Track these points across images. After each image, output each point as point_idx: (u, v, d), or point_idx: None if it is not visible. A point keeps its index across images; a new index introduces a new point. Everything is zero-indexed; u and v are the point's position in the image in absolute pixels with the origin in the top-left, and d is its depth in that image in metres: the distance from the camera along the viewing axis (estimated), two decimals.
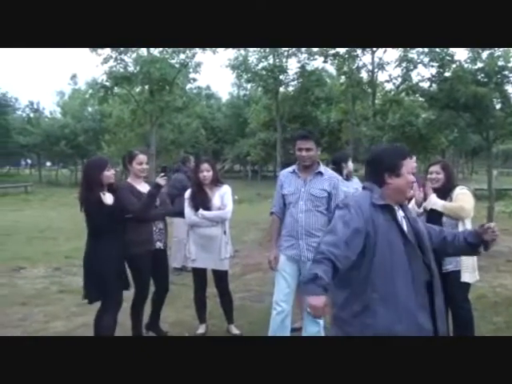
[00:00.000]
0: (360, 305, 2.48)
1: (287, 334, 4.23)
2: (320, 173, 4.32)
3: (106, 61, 22.40)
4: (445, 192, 4.36)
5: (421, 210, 4.49)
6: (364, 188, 2.74)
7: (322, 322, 4.16)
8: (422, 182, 4.61)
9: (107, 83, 23.41)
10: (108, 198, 4.21)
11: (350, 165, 6.61)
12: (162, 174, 4.62)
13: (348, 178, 6.63)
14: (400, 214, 2.70)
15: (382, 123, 23.95)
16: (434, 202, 4.31)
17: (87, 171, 4.35)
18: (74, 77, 46.81)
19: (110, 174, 4.25)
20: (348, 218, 2.51)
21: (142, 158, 4.72)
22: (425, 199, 4.42)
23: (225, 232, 4.94)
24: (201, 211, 4.84)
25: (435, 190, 4.38)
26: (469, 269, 4.20)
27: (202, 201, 4.88)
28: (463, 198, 4.29)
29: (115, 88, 24.08)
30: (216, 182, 5.00)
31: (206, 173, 4.91)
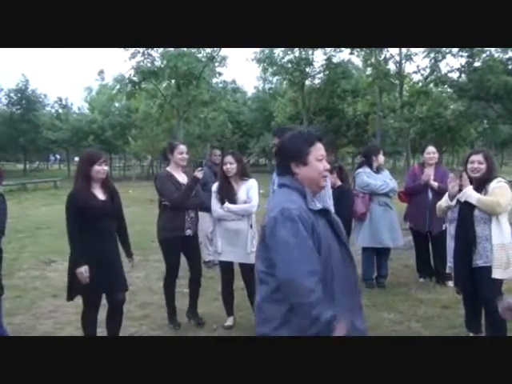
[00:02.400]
0: (302, 318, 2.22)
1: None
2: None
3: (133, 56, 22.64)
4: (482, 183, 4.17)
5: (453, 202, 4.34)
6: (284, 185, 2.44)
7: None
8: (460, 174, 4.46)
9: (134, 78, 23.65)
10: (99, 193, 4.20)
11: (381, 158, 6.58)
12: (200, 169, 4.99)
13: (378, 170, 6.60)
14: (318, 206, 2.45)
15: (409, 115, 23.70)
16: (469, 194, 4.12)
17: (78, 163, 4.35)
18: (101, 72, 47.48)
19: (100, 169, 4.15)
20: (300, 233, 2.22)
21: (182, 148, 5.12)
22: (459, 190, 4.23)
23: (251, 226, 4.96)
24: (226, 204, 4.86)
25: (471, 181, 4.20)
26: (502, 264, 3.99)
27: (227, 194, 4.91)
28: (501, 191, 4.07)
29: (142, 83, 24.27)
30: (242, 175, 5.01)
31: (230, 165, 4.92)
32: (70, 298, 4.39)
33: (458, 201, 4.27)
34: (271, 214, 2.30)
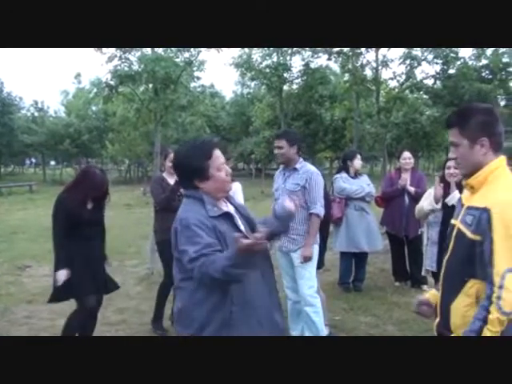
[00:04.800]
0: (222, 321, 2.31)
1: (303, 321, 4.63)
2: (295, 169, 4.56)
3: (110, 60, 22.45)
4: (459, 188, 4.22)
5: (438, 206, 4.41)
6: (189, 196, 2.48)
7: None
8: (441, 175, 4.54)
9: (112, 82, 23.45)
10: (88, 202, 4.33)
11: (356, 163, 6.62)
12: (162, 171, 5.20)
13: (356, 175, 6.65)
14: (231, 208, 2.55)
15: (386, 121, 23.96)
16: (458, 198, 4.20)
17: (81, 178, 4.37)
18: (78, 76, 47.12)
19: (100, 194, 4.33)
20: (197, 239, 2.27)
21: (172, 156, 5.15)
22: (444, 196, 4.27)
23: None
24: None
25: (448, 186, 4.25)
26: None
27: None
28: None
29: (119, 87, 24.11)
30: None
31: None
32: (56, 300, 4.36)
33: (443, 205, 4.33)
34: (173, 225, 2.39)
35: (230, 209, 2.54)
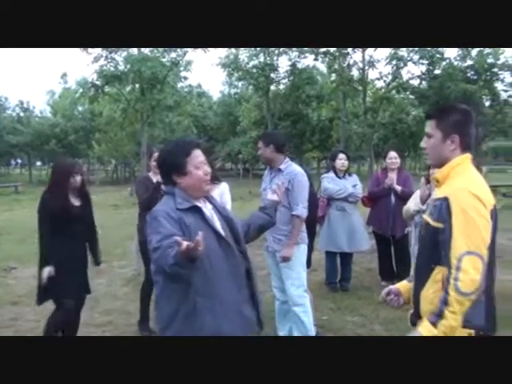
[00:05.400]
0: (186, 312, 2.39)
1: (291, 320, 4.65)
2: (280, 169, 4.58)
3: (96, 60, 22.27)
4: None
5: (424, 207, 4.45)
6: (167, 193, 2.62)
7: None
8: (427, 176, 4.59)
9: (97, 82, 23.28)
10: (73, 199, 4.35)
11: (338, 162, 6.65)
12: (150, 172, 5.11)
13: (344, 175, 6.66)
14: (208, 207, 2.65)
15: (372, 121, 24.04)
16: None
17: (53, 174, 4.43)
18: (64, 76, 46.70)
19: (74, 181, 4.31)
20: (160, 229, 2.36)
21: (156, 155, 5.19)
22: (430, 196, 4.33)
23: None
24: None
25: None
26: None
27: None
28: None
29: (106, 87, 23.95)
30: (214, 179, 5.05)
31: None
32: (40, 302, 4.35)
33: None
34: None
35: (207, 207, 2.64)
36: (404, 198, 6.12)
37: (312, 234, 5.22)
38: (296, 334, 4.58)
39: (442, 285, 2.20)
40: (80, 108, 40.37)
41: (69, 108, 40.16)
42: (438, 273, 2.23)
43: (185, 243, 2.03)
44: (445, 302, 2.13)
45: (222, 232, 2.57)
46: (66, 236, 4.21)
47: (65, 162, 4.78)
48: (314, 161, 46.18)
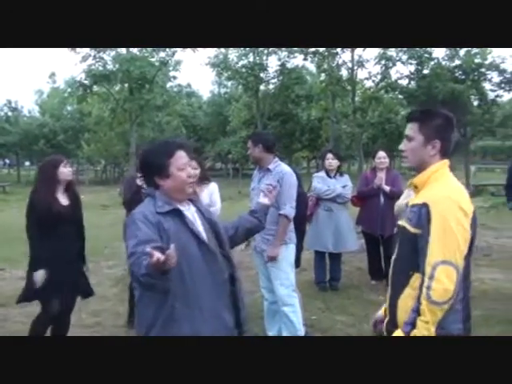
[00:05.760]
0: (165, 319, 2.34)
1: (279, 320, 4.66)
2: (268, 169, 4.58)
3: (84, 59, 22.19)
4: None
5: None
6: (147, 195, 2.54)
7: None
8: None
9: (86, 82, 23.20)
10: (62, 198, 4.26)
11: (326, 162, 6.70)
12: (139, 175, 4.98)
13: (335, 175, 6.69)
14: (191, 210, 2.58)
15: (361, 120, 24.13)
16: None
17: (41, 169, 4.37)
18: (52, 75, 46.42)
19: (65, 171, 4.25)
20: (137, 233, 2.29)
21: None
22: None
23: None
24: None
25: None
26: None
27: (190, 198, 4.90)
28: None
29: (94, 86, 23.87)
30: (204, 179, 5.06)
31: (194, 170, 4.97)
32: (25, 300, 4.31)
33: None
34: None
35: (191, 210, 2.57)
36: (393, 197, 6.16)
37: (301, 234, 5.23)
38: (285, 333, 4.58)
39: (419, 292, 2.17)
40: (69, 108, 40.11)
41: (57, 108, 39.90)
42: (416, 280, 2.20)
43: (156, 255, 1.95)
44: (417, 312, 2.12)
45: (204, 236, 2.49)
46: (55, 236, 4.14)
47: (50, 157, 4.63)
48: (303, 160, 46.21)
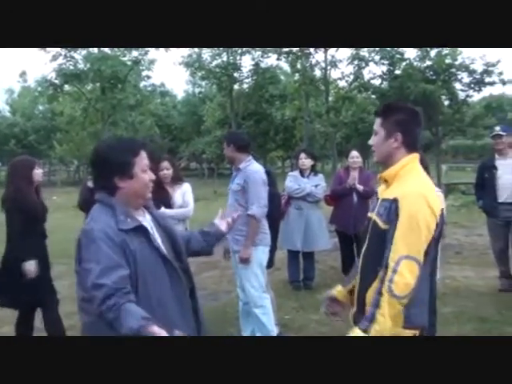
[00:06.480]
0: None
1: (253, 320, 4.68)
2: (239, 169, 4.58)
3: (54, 58, 21.89)
4: None
5: None
6: (100, 201, 2.23)
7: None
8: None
9: (56, 81, 22.86)
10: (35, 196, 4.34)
11: (299, 162, 6.75)
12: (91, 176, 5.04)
13: (309, 174, 6.73)
14: (148, 218, 2.35)
15: (335, 120, 24.27)
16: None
17: (16, 169, 4.34)
18: (23, 74, 45.71)
19: (39, 172, 4.33)
20: (100, 257, 2.04)
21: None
22: None
23: (186, 229, 4.99)
24: (163, 209, 4.83)
25: None
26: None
27: (163, 199, 4.87)
28: None
29: (65, 86, 23.55)
30: (177, 180, 5.05)
31: (166, 171, 4.96)
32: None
33: None
34: (78, 236, 2.17)
35: (147, 219, 2.35)
36: (366, 196, 6.24)
37: (275, 233, 5.25)
38: (258, 334, 4.58)
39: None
40: (40, 107, 39.55)
41: (28, 107, 39.30)
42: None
43: (155, 330, 1.86)
44: (376, 305, 2.15)
45: (167, 254, 2.28)
46: (36, 234, 4.22)
47: (24, 157, 4.62)
48: (278, 160, 46.37)
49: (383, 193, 2.38)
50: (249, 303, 4.63)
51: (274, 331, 4.59)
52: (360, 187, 6.58)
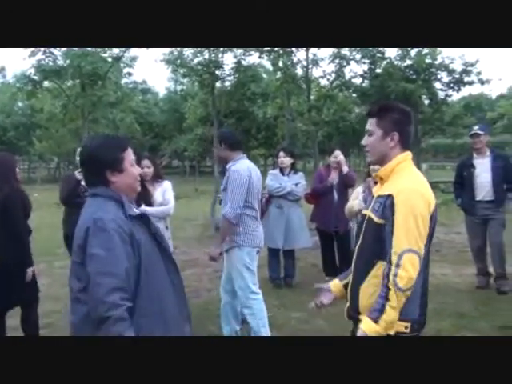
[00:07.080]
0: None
1: (235, 322, 4.79)
2: (226, 168, 4.59)
3: (33, 54, 21.52)
4: None
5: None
6: (97, 195, 2.29)
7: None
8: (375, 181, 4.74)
9: (35, 77, 22.53)
10: None
11: (279, 160, 6.79)
12: (80, 170, 4.98)
13: (289, 173, 6.75)
14: (136, 212, 2.39)
15: (317, 118, 24.33)
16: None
17: (5, 166, 4.29)
18: (2, 69, 45.06)
19: (18, 171, 4.41)
20: (113, 246, 2.11)
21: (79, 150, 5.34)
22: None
23: (167, 227, 4.99)
24: (143, 207, 4.81)
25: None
26: None
27: (143, 197, 4.85)
28: None
29: (45, 82, 23.24)
30: (157, 177, 5.05)
31: (147, 169, 4.98)
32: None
33: None
34: (84, 226, 2.18)
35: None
36: (349, 182, 6.61)
37: None
38: (252, 334, 4.60)
39: (382, 280, 2.27)
40: (20, 103, 39.03)
41: (8, 103, 38.74)
42: (379, 268, 2.30)
43: None
44: (385, 297, 2.21)
45: (166, 245, 2.41)
46: (27, 231, 4.25)
47: (5, 154, 4.56)
48: (260, 158, 46.42)
49: (378, 190, 2.44)
50: (230, 303, 4.71)
51: (261, 332, 4.49)
52: (346, 168, 6.65)
